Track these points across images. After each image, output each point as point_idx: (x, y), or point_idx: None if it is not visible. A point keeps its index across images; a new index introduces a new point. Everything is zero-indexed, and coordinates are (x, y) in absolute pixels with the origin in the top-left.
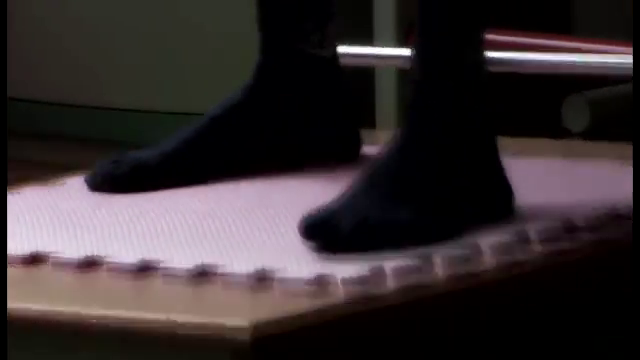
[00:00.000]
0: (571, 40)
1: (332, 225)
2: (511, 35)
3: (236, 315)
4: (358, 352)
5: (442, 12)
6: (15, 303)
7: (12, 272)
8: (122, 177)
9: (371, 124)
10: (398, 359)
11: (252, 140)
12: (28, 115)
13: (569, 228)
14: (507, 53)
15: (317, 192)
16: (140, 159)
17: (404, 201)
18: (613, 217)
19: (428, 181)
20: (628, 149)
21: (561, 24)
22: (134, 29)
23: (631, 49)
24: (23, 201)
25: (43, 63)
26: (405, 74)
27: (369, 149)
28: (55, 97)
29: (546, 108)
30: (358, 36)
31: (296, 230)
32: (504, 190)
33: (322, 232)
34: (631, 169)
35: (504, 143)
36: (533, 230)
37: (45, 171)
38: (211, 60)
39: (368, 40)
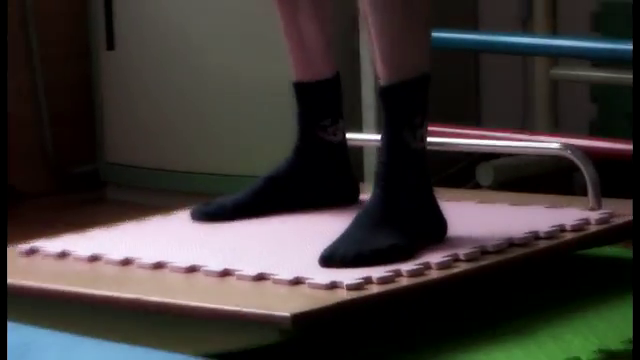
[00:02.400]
0: (479, 129)
1: (339, 255)
2: (439, 127)
3: (282, 307)
4: (354, 328)
5: (399, 121)
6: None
7: (174, 277)
8: (210, 213)
9: (360, 178)
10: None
11: (293, 193)
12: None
13: (484, 251)
14: (436, 138)
15: (333, 223)
16: (222, 203)
17: (383, 235)
18: (511, 245)
19: (397, 221)
20: (519, 196)
21: (472, 116)
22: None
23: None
24: (175, 222)
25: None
26: None
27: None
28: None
29: (466, 169)
30: (351, 126)
31: (320, 250)
32: (441, 223)
33: (334, 261)
34: (519, 210)
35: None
36: (461, 252)
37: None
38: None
39: (359, 129)
